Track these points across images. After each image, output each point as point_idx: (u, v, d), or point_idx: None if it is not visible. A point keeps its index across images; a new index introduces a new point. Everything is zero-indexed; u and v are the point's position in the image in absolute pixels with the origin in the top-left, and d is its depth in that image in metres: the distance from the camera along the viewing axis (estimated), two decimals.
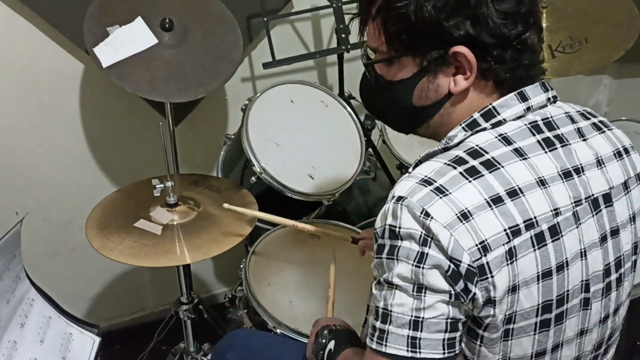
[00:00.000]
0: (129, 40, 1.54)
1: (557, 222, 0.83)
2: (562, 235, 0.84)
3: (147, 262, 1.39)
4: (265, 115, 1.73)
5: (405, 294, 0.81)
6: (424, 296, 0.80)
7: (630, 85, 2.63)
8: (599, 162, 0.91)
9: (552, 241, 0.83)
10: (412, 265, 0.79)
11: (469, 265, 0.78)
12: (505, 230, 0.80)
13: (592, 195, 0.88)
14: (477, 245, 0.78)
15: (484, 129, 0.87)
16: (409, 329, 0.81)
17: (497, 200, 0.80)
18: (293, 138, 1.74)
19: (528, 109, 0.88)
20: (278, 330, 1.41)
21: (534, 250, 0.82)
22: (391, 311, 0.82)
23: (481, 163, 0.83)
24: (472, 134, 0.87)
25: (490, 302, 0.80)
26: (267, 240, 1.67)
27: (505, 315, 0.83)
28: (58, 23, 1.72)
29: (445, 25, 0.83)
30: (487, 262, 0.79)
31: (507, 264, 0.80)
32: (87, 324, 1.29)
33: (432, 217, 0.78)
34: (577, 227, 0.86)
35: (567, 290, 0.86)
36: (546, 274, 0.83)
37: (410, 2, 0.83)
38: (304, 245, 1.68)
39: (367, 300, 0.99)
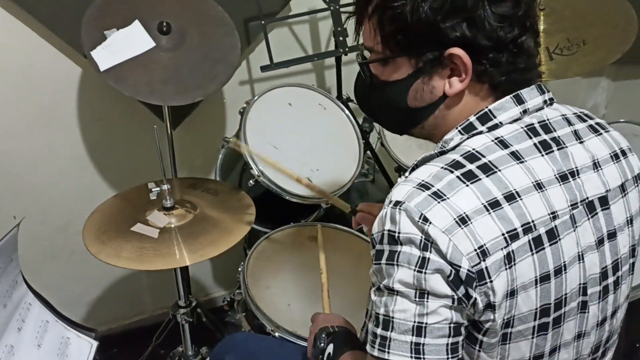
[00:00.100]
0: (126, 43, 1.54)
1: (555, 226, 0.83)
2: (559, 239, 0.84)
3: (145, 266, 1.39)
4: (263, 118, 1.73)
5: (407, 300, 0.81)
6: (427, 301, 0.79)
7: (628, 87, 2.63)
8: (595, 165, 0.90)
9: (550, 245, 0.83)
10: (414, 270, 0.79)
11: (468, 270, 0.78)
12: (503, 234, 0.79)
13: (587, 198, 0.88)
14: (475, 250, 0.78)
15: (480, 132, 0.87)
16: (412, 335, 0.81)
17: (494, 205, 0.80)
18: (291, 141, 1.74)
19: (524, 111, 0.88)
20: (276, 334, 1.41)
21: (532, 254, 0.81)
22: (393, 317, 0.82)
23: (478, 167, 0.83)
24: (468, 137, 0.87)
25: (490, 306, 0.80)
26: (265, 243, 1.67)
27: (504, 320, 0.82)
28: (56, 27, 1.71)
29: (442, 27, 0.83)
30: (486, 267, 0.78)
31: (506, 269, 0.80)
32: (85, 328, 1.28)
33: (430, 222, 0.78)
34: (574, 230, 0.86)
35: (565, 294, 0.86)
36: (544, 278, 0.83)
37: (406, 3, 0.83)
38: (302, 248, 1.68)
39: (365, 303, 0.99)
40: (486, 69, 0.85)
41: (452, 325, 0.81)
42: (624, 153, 0.95)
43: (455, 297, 0.79)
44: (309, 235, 1.69)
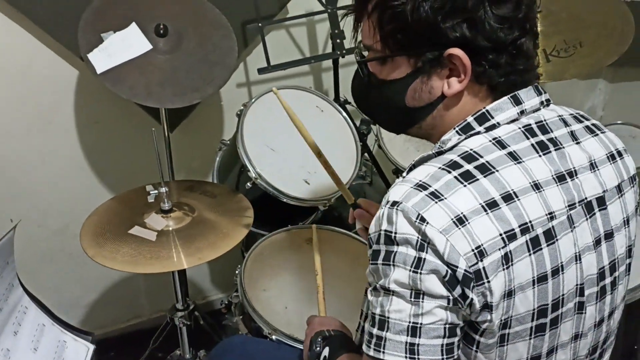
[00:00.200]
0: (123, 46, 1.54)
1: (552, 226, 0.83)
2: (557, 240, 0.84)
3: (143, 269, 1.39)
4: (261, 120, 1.73)
5: (402, 300, 0.81)
6: (422, 302, 0.80)
7: (626, 89, 2.63)
8: (592, 166, 0.91)
9: (547, 245, 0.83)
10: (410, 270, 0.79)
11: (465, 270, 0.78)
12: (500, 234, 0.79)
13: (586, 198, 0.88)
14: (473, 250, 0.78)
15: (478, 133, 0.87)
16: (407, 335, 0.81)
17: (492, 205, 0.80)
18: (288, 143, 1.74)
19: (522, 112, 0.88)
20: (274, 337, 1.40)
21: (530, 254, 0.81)
22: (388, 317, 0.82)
23: (476, 167, 0.83)
24: (466, 138, 0.87)
25: (487, 307, 0.80)
26: (262, 245, 1.67)
27: (502, 320, 0.82)
28: (53, 30, 1.71)
29: (442, 27, 0.83)
30: (484, 267, 0.78)
31: (503, 269, 0.80)
32: (82, 331, 1.28)
33: (427, 222, 0.78)
34: (571, 231, 0.86)
35: (562, 295, 0.86)
36: (541, 279, 0.83)
37: (407, 1, 0.83)
38: (300, 250, 1.67)
39: (360, 305, 0.99)
40: (485, 70, 0.85)
41: (447, 325, 0.81)
42: (619, 154, 0.96)
43: (451, 297, 0.79)
44: (306, 238, 1.69)
